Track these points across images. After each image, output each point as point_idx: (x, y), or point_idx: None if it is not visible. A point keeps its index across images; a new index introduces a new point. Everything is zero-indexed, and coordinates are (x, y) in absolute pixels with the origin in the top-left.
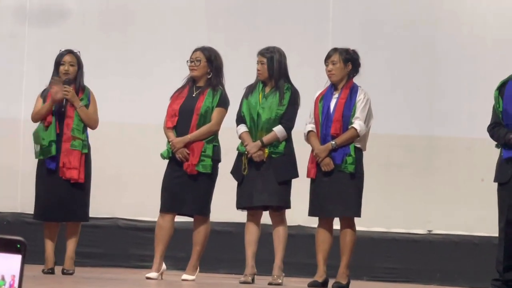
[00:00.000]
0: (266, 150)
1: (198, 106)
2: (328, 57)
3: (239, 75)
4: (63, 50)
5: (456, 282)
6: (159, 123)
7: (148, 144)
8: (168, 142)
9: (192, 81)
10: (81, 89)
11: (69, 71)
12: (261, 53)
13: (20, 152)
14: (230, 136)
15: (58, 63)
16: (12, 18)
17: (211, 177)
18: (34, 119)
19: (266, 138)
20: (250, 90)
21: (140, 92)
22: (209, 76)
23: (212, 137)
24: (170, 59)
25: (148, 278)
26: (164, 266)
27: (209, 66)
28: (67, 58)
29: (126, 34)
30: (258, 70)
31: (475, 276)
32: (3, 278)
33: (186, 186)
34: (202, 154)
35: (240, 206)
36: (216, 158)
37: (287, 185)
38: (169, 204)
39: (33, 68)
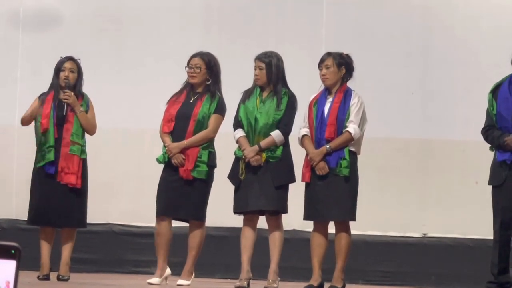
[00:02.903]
0: (264, 155)
1: (196, 112)
2: (321, 61)
3: (233, 80)
4: (63, 56)
5: (452, 285)
6: (154, 128)
7: (143, 149)
8: (164, 146)
9: (190, 86)
10: (80, 96)
11: (69, 77)
12: (259, 58)
13: (15, 158)
14: (225, 141)
15: (58, 69)
16: (6, 24)
17: (206, 182)
18: (21, 122)
19: (264, 142)
20: (247, 95)
21: (135, 97)
22: (208, 83)
23: (208, 144)
24: (165, 65)
25: (149, 283)
26: (168, 270)
27: (208, 73)
28: (67, 64)
29: (120, 39)
30: (256, 75)
31: (470, 279)
32: None
33: (181, 191)
34: (197, 160)
35: (237, 210)
36: (211, 164)
37: (284, 189)
38: (165, 209)
39: (27, 74)
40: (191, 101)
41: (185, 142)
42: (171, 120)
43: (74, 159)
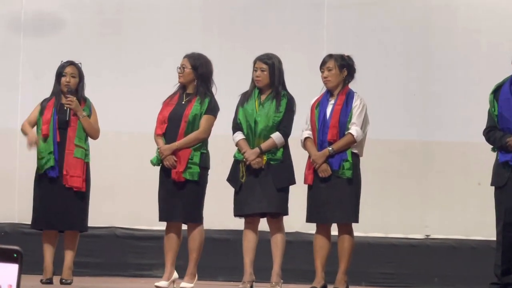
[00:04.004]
0: (265, 157)
1: (186, 114)
2: (323, 64)
3: (233, 82)
4: (64, 61)
5: (455, 286)
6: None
7: (143, 152)
8: (158, 149)
9: (182, 88)
10: (83, 100)
11: (70, 82)
12: (261, 59)
13: (17, 162)
14: (227, 144)
15: (59, 74)
16: (7, 29)
17: (199, 184)
18: (21, 130)
19: (265, 145)
20: (245, 97)
21: (135, 100)
22: (195, 83)
23: (200, 145)
24: (165, 68)
25: (157, 286)
26: (175, 274)
27: (194, 73)
28: (68, 69)
29: (121, 43)
30: (257, 76)
31: (473, 280)
32: None
33: (175, 194)
34: (189, 161)
35: (238, 213)
36: (203, 166)
37: (285, 191)
38: (163, 212)
39: (29, 78)
40: (183, 102)
41: (176, 144)
42: (164, 122)
43: (79, 162)
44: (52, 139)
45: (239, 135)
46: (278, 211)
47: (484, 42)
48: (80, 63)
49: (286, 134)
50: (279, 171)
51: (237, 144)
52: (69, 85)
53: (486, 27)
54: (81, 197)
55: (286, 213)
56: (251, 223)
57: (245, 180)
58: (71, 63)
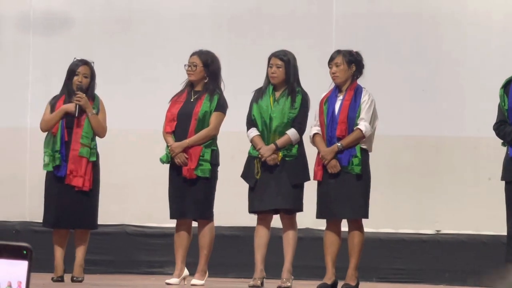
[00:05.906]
0: (280, 154)
1: (196, 111)
2: (331, 59)
3: (243, 79)
4: (77, 59)
5: (465, 281)
6: None
7: (153, 150)
8: (167, 146)
9: (190, 85)
10: (91, 98)
11: (82, 82)
12: (277, 56)
13: (27, 161)
14: (238, 140)
15: (72, 71)
16: (16, 28)
17: (210, 181)
18: (43, 128)
19: (280, 141)
20: (259, 94)
21: (145, 98)
22: (205, 81)
23: (210, 142)
24: (174, 65)
25: (167, 283)
26: (186, 271)
27: (205, 71)
28: (82, 69)
29: (130, 42)
30: (272, 73)
31: (484, 275)
32: (10, 285)
33: (186, 191)
34: (200, 158)
35: (253, 209)
36: (214, 162)
37: (300, 188)
38: (174, 210)
39: (38, 77)
40: (191, 100)
41: (187, 141)
42: (173, 119)
43: (83, 161)
44: (60, 138)
45: (254, 131)
46: (293, 208)
47: (495, 36)
48: (93, 62)
49: (301, 130)
50: (294, 167)
51: (251, 141)
52: (81, 84)
53: (496, 22)
54: (88, 195)
55: (301, 210)
56: (263, 219)
57: (260, 177)
58: (84, 63)
